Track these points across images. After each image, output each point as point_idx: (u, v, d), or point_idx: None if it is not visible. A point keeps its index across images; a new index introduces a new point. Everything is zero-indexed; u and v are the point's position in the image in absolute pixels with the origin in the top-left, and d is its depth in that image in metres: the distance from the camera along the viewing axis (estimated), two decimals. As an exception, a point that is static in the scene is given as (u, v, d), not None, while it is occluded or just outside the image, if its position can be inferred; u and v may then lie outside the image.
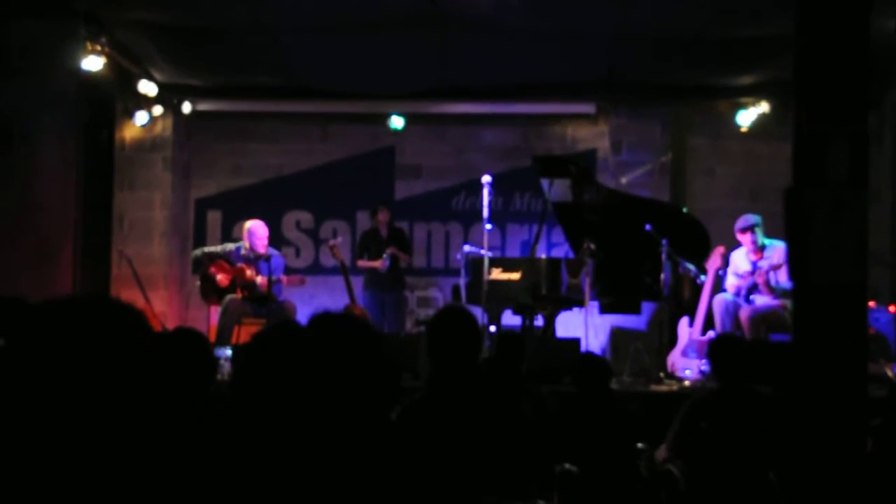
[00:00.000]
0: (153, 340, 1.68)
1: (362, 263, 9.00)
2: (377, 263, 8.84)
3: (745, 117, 9.01)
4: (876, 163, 7.74)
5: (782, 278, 7.39)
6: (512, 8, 7.14)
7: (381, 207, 9.05)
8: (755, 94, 8.92)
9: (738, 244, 7.82)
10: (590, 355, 5.42)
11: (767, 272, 7.51)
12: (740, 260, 7.81)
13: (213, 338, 7.99)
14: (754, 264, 7.67)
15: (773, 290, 7.51)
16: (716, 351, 4.84)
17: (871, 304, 7.26)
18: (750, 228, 7.65)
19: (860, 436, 4.11)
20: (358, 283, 8.99)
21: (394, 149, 9.95)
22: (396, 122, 9.56)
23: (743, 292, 7.69)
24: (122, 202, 9.63)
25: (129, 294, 8.97)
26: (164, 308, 9.37)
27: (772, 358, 6.18)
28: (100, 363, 1.51)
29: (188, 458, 2.62)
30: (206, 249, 8.63)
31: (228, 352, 7.39)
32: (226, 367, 6.50)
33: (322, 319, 2.74)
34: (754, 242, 7.66)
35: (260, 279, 8.10)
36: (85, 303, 1.57)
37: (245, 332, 7.73)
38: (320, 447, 2.70)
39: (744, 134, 9.09)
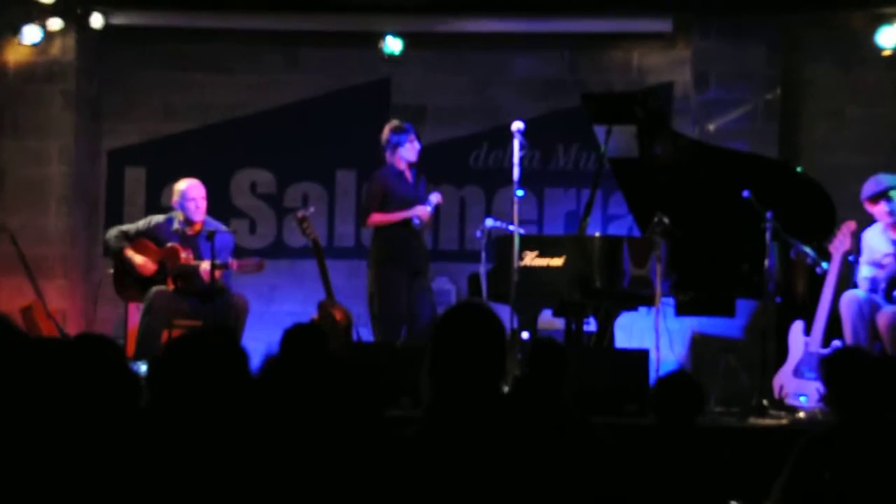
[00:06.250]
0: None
1: (379, 217, 8.31)
2: (414, 212, 8.26)
3: (890, 36, 8.94)
4: None
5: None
6: None
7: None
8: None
9: (872, 219, 7.77)
10: (676, 376, 5.36)
11: None
12: (876, 240, 7.74)
13: (131, 347, 7.95)
14: (896, 244, 7.65)
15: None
16: (834, 370, 4.74)
17: None
18: (883, 194, 7.61)
19: None
20: (341, 268, 8.83)
21: (389, 82, 9.97)
22: (392, 44, 9.57)
23: (882, 287, 7.61)
24: (4, 153, 9.61)
25: (12, 283, 8.89)
26: (62, 304, 9.36)
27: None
28: None
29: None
30: (124, 228, 8.48)
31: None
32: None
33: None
34: (892, 213, 7.62)
35: (204, 265, 8.02)
36: None
37: (179, 339, 7.66)
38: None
39: (886, 60, 9.05)
